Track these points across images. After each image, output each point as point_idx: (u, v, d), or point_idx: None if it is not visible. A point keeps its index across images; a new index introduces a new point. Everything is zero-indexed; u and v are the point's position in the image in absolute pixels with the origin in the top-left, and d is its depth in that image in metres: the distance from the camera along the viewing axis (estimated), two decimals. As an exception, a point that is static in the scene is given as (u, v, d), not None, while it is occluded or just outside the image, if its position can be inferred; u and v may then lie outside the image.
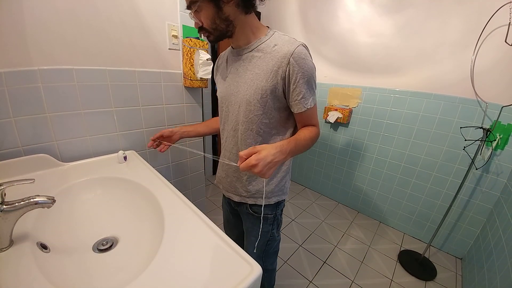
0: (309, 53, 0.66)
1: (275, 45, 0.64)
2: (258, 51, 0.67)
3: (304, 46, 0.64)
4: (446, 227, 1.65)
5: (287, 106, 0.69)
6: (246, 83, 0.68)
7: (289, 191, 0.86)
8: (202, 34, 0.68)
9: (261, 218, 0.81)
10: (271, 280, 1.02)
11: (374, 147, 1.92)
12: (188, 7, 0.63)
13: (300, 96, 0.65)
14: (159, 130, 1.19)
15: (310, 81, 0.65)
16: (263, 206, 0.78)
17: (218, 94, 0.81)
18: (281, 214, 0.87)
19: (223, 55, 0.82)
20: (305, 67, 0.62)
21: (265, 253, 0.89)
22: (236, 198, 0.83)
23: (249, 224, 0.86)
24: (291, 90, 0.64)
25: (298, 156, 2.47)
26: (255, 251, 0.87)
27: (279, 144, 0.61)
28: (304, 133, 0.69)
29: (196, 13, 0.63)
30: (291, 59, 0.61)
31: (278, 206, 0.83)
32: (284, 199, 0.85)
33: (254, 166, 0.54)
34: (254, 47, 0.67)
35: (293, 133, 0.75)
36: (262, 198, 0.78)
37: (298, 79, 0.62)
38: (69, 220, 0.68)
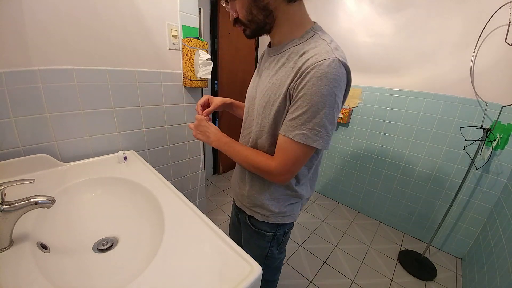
0: (339, 76, 0.47)
1: (304, 52, 0.50)
2: (285, 57, 0.55)
3: (336, 61, 0.46)
4: (446, 227, 1.65)
5: None
6: (261, 91, 0.59)
7: (296, 217, 0.75)
8: (238, 27, 0.58)
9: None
10: None
11: (374, 147, 1.92)
12: None
13: (289, 118, 0.51)
14: (159, 130, 1.20)
15: (309, 111, 0.48)
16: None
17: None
18: (284, 235, 0.76)
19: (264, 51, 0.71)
20: (312, 89, 0.46)
21: (265, 267, 0.73)
22: (238, 203, 0.77)
23: (247, 235, 0.79)
24: (290, 106, 0.52)
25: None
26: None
27: (222, 133, 0.66)
28: (250, 152, 0.60)
29: (230, 1, 0.54)
30: (305, 70, 0.47)
31: (279, 227, 0.72)
32: (288, 223, 0.73)
33: (195, 126, 0.70)
34: (282, 50, 0.56)
35: (308, 164, 0.64)
36: (260, 213, 0.69)
37: (298, 98, 0.49)
38: (69, 220, 0.68)
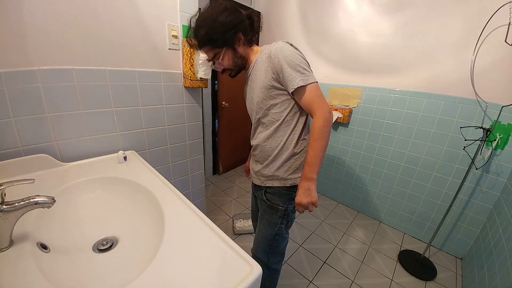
0: (291, 45, 0.76)
1: (264, 54, 0.78)
2: (256, 64, 0.82)
3: (283, 42, 0.76)
4: (446, 227, 1.65)
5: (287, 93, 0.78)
6: (253, 91, 0.84)
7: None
8: (226, 73, 0.86)
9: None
10: (273, 280, 1.02)
11: (374, 147, 1.92)
12: (212, 59, 0.81)
13: (289, 78, 0.73)
14: (159, 130, 1.20)
15: (291, 64, 0.72)
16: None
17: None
18: (293, 212, 0.92)
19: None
20: (283, 55, 0.72)
21: (272, 250, 0.93)
22: (257, 181, 0.91)
23: (261, 210, 0.94)
24: (282, 78, 0.74)
25: (298, 156, 2.46)
26: (262, 242, 0.92)
27: (302, 175, 0.78)
28: (311, 146, 0.76)
29: (222, 60, 0.80)
30: (271, 55, 0.74)
31: (290, 200, 0.87)
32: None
33: (306, 205, 0.77)
34: (254, 64, 0.83)
35: (304, 122, 0.84)
36: (277, 180, 0.86)
37: (281, 66, 0.72)
38: (69, 220, 0.68)
